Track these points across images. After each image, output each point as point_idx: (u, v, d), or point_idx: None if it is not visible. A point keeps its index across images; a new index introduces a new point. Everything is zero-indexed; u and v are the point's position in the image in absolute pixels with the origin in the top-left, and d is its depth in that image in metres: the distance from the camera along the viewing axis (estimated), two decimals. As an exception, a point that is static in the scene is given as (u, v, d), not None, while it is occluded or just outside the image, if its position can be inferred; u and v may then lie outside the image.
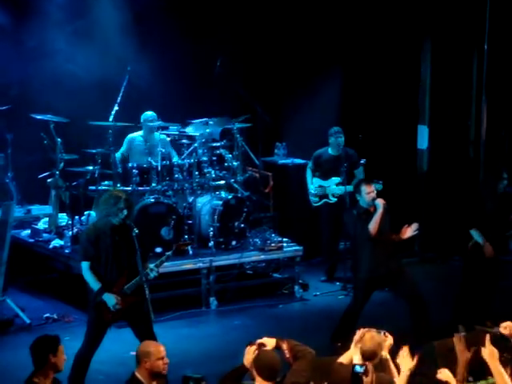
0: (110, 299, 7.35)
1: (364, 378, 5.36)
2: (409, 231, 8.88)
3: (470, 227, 9.22)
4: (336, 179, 10.86)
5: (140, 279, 7.37)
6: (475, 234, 9.19)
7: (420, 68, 12.70)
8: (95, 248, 7.40)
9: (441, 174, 12.74)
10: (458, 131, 12.78)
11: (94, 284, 7.42)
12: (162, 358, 6.03)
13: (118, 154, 10.49)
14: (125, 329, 7.80)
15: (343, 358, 5.80)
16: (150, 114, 10.69)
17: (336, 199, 10.84)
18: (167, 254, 7.71)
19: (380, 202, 8.69)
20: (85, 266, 7.47)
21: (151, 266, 7.52)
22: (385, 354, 5.75)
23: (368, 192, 8.69)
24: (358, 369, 5.38)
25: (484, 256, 9.15)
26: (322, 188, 10.92)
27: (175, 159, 10.57)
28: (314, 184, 10.99)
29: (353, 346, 5.61)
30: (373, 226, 8.62)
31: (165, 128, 10.82)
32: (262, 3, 11.97)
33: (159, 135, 10.71)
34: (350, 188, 10.45)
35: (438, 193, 12.71)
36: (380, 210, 8.65)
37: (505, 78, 12.35)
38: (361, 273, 8.80)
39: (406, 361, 5.55)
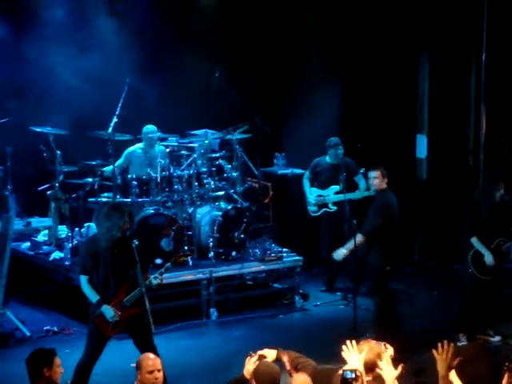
0: (108, 311, 7.34)
1: (354, 383, 5.32)
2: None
3: (469, 236, 9.22)
4: (335, 188, 10.85)
5: (139, 291, 7.37)
6: (476, 243, 9.19)
7: (418, 78, 12.73)
8: (94, 261, 7.39)
9: (440, 183, 12.75)
10: (457, 140, 12.80)
11: (92, 297, 7.42)
12: (152, 372, 5.95)
13: (116, 165, 10.48)
14: (125, 340, 7.80)
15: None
16: (150, 127, 10.70)
17: (336, 208, 10.83)
18: (167, 265, 7.70)
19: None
20: (83, 279, 7.46)
21: (155, 274, 7.52)
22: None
23: (374, 177, 9.31)
24: (349, 374, 5.34)
25: (485, 264, 9.15)
26: (322, 197, 10.92)
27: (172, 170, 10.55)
28: (312, 194, 10.99)
29: (352, 356, 5.58)
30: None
31: (164, 139, 10.83)
32: (262, 14, 12.00)
33: (158, 146, 10.72)
34: (349, 196, 10.47)
35: (437, 202, 12.72)
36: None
37: (503, 86, 12.38)
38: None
39: (389, 370, 5.50)
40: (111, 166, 10.43)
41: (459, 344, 8.94)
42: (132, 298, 7.38)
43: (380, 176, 9.28)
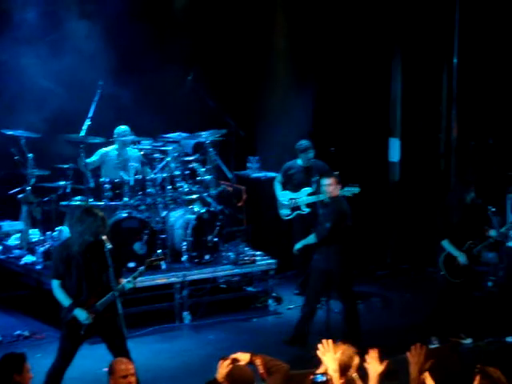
0: (81, 314, 7.30)
1: None
2: None
3: (440, 239, 9.27)
4: (307, 189, 10.84)
5: (112, 295, 7.33)
6: (447, 246, 9.24)
7: (391, 81, 12.80)
8: (66, 266, 7.34)
9: (412, 186, 12.82)
10: (429, 144, 12.89)
11: (64, 301, 7.37)
12: (125, 377, 5.93)
13: (88, 162, 10.38)
14: (98, 345, 7.76)
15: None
16: (123, 128, 10.66)
17: (309, 209, 10.78)
18: (140, 269, 7.67)
19: None
20: (55, 283, 7.41)
21: (128, 278, 7.49)
22: (354, 373, 5.72)
23: (327, 184, 9.22)
24: (319, 378, 5.35)
25: (458, 267, 9.20)
26: (294, 200, 10.92)
27: (147, 175, 10.54)
28: (284, 196, 10.98)
29: (327, 355, 5.58)
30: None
31: (137, 143, 10.79)
32: (234, 17, 12.00)
33: (131, 149, 10.67)
34: (322, 197, 10.38)
35: (409, 205, 12.79)
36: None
37: (474, 90, 12.47)
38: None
39: (374, 365, 5.53)
40: (93, 158, 10.35)
41: (431, 346, 9.00)
42: (105, 302, 7.35)
43: (334, 183, 9.27)
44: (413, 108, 12.77)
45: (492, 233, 9.31)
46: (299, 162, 10.94)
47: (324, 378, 5.32)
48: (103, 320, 7.38)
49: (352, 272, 9.45)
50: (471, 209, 9.28)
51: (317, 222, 9.40)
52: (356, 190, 10.20)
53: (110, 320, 7.40)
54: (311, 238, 9.30)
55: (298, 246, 9.52)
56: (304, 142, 10.87)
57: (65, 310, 7.38)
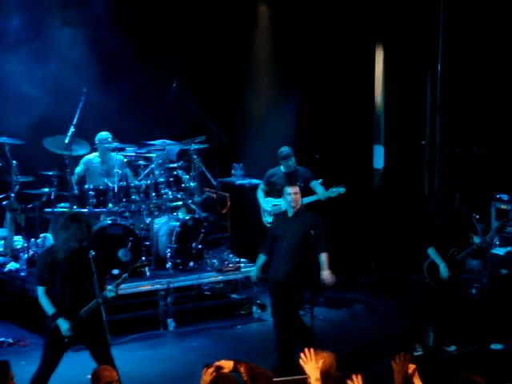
0: (64, 324, 7.27)
1: None
2: None
3: (424, 246, 9.28)
4: None
5: (96, 302, 7.32)
6: (432, 254, 9.24)
7: (374, 89, 12.85)
8: (51, 272, 7.32)
9: (397, 193, 12.87)
10: (413, 151, 12.94)
11: (48, 308, 7.34)
12: (118, 381, 5.97)
13: (75, 172, 10.40)
14: (81, 352, 7.73)
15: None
16: (104, 134, 10.65)
17: None
18: (123, 276, 7.65)
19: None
20: (40, 290, 7.39)
21: (109, 287, 7.47)
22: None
23: (289, 193, 8.84)
24: None
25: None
26: (278, 206, 10.89)
27: (130, 180, 10.54)
28: (267, 203, 10.94)
29: (309, 364, 5.59)
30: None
31: (121, 149, 10.78)
32: (216, 24, 12.02)
33: (116, 156, 10.65)
34: (305, 200, 10.35)
35: (394, 212, 12.83)
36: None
37: (458, 98, 12.54)
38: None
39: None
40: (75, 174, 10.36)
41: (415, 354, 9.02)
42: (89, 310, 7.32)
43: (299, 191, 9.01)
44: (397, 115, 12.82)
45: (476, 240, 9.34)
46: (282, 168, 10.90)
47: None
48: (87, 327, 7.35)
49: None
50: (455, 216, 9.31)
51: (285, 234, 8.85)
52: (342, 190, 10.23)
53: (94, 327, 7.38)
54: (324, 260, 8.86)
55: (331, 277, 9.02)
56: (285, 150, 10.73)
57: (49, 318, 7.36)
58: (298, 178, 10.55)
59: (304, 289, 8.84)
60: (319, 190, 10.56)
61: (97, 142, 10.66)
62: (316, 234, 8.73)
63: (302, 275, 8.72)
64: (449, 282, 9.22)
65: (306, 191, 10.63)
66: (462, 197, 9.57)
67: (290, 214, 8.92)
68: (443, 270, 9.14)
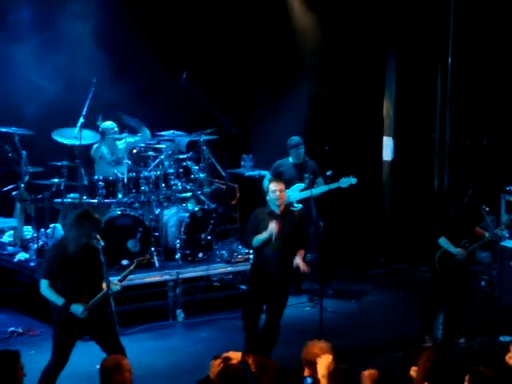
0: (78, 308, 7.25)
1: None
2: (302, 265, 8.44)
3: (437, 236, 9.26)
4: (299, 185, 10.68)
5: (104, 294, 7.31)
6: (444, 243, 9.20)
7: (385, 81, 12.82)
8: (61, 266, 7.32)
9: (406, 185, 12.85)
10: (423, 143, 12.91)
11: (57, 300, 7.31)
12: (130, 370, 5.98)
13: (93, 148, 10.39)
14: (90, 342, 7.74)
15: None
16: (109, 124, 10.64)
17: (301, 205, 10.65)
18: (129, 268, 7.65)
19: (272, 227, 8.18)
20: (44, 283, 7.35)
21: (114, 280, 7.48)
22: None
23: (274, 190, 8.34)
24: (309, 381, 5.39)
25: (453, 265, 9.19)
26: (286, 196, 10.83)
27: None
28: None
29: (319, 362, 5.60)
30: (255, 242, 8.31)
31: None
32: (228, 16, 12.01)
33: (123, 143, 10.58)
34: (315, 191, 10.27)
35: (403, 204, 12.81)
36: (266, 236, 8.21)
37: (468, 91, 12.50)
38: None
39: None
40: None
41: (424, 345, 9.01)
42: (97, 301, 7.33)
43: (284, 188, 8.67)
44: (407, 107, 12.79)
45: (487, 233, 9.31)
46: (290, 159, 10.87)
47: (311, 381, 5.36)
48: (94, 319, 7.36)
49: None
50: (467, 208, 9.29)
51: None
52: (353, 180, 10.22)
53: (103, 318, 7.39)
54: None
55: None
56: (295, 138, 10.73)
57: (57, 310, 7.34)
58: (307, 170, 10.53)
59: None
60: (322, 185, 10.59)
61: (101, 130, 10.60)
62: (300, 232, 8.51)
63: (290, 275, 8.56)
64: (459, 273, 9.18)
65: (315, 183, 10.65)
66: (472, 189, 9.55)
67: (277, 210, 8.45)
68: (459, 254, 9.09)
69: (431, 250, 9.34)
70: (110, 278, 7.42)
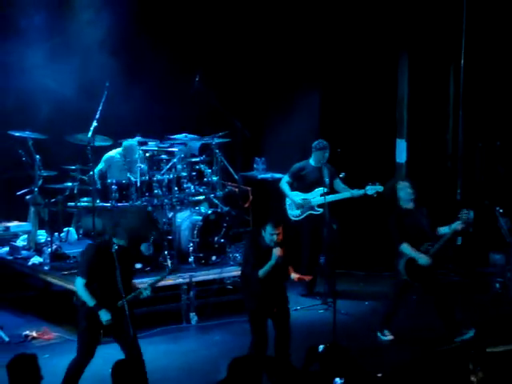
0: (106, 315, 7.43)
1: None
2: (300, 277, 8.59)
3: (397, 244, 9.25)
4: (320, 190, 10.71)
5: (134, 296, 7.53)
6: (406, 249, 9.24)
7: (398, 82, 12.80)
8: (98, 267, 7.48)
9: (419, 188, 12.80)
10: (436, 145, 12.88)
11: (89, 301, 7.48)
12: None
13: (95, 172, 10.43)
14: (106, 345, 7.77)
15: None
16: (131, 142, 10.66)
17: (322, 210, 10.66)
18: (163, 275, 7.92)
19: (276, 252, 8.13)
20: (81, 282, 7.52)
21: (145, 285, 7.66)
22: None
23: (272, 234, 8.19)
24: (338, 382, 5.42)
25: (419, 269, 9.20)
26: (307, 200, 10.87)
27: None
28: (297, 197, 10.90)
29: None
30: (262, 274, 8.18)
31: (144, 143, 10.81)
32: (241, 19, 12.03)
33: (139, 151, 10.65)
34: (339, 197, 10.49)
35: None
36: (272, 262, 8.13)
37: (481, 92, 12.46)
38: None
39: None
40: (96, 170, 10.41)
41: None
42: (127, 301, 7.45)
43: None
44: (420, 109, 12.77)
45: (442, 230, 9.30)
46: (311, 162, 10.88)
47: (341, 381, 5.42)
48: (118, 319, 7.48)
49: None
50: (416, 213, 9.32)
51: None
52: (380, 188, 10.26)
53: (122, 319, 7.49)
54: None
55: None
56: (323, 141, 10.79)
57: (88, 308, 7.47)
58: (327, 173, 10.58)
59: None
60: (343, 188, 10.69)
61: (122, 147, 10.67)
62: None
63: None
64: (426, 277, 9.20)
65: (333, 189, 10.68)
66: (486, 191, 9.53)
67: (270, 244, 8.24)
68: (423, 259, 9.14)
69: (394, 258, 9.35)
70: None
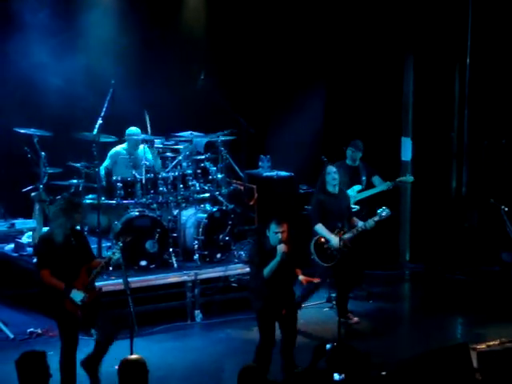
0: (78, 295, 7.48)
1: None
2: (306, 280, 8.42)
3: (313, 224, 9.46)
4: (357, 187, 10.79)
5: (98, 271, 7.61)
6: (320, 230, 9.45)
7: (403, 81, 12.79)
8: (53, 256, 7.51)
9: (425, 186, 12.80)
10: (441, 143, 12.86)
11: (60, 285, 7.50)
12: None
13: (101, 169, 10.43)
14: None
15: None
16: (134, 129, 10.67)
17: (359, 207, 10.66)
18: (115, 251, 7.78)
19: (281, 249, 8.07)
20: (47, 273, 7.54)
21: (112, 250, 7.78)
22: None
23: (276, 232, 8.14)
24: (337, 377, 5.45)
25: (328, 251, 9.40)
26: (363, 192, 10.91)
27: (158, 170, 10.55)
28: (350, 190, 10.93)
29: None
30: (267, 273, 8.12)
31: (149, 141, 10.80)
32: (247, 17, 12.03)
33: (144, 148, 10.64)
34: (374, 191, 10.77)
35: (422, 205, 12.76)
36: (278, 259, 8.06)
37: (486, 90, 12.44)
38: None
39: None
40: (102, 168, 10.39)
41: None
42: (94, 278, 7.58)
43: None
44: (425, 107, 12.75)
45: (359, 224, 9.53)
46: (348, 162, 10.93)
47: (341, 377, 5.43)
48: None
49: None
50: (339, 197, 9.60)
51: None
52: (411, 178, 10.86)
53: (96, 298, 7.63)
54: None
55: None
56: (360, 142, 10.93)
57: (57, 294, 7.52)
58: (363, 172, 10.65)
59: None
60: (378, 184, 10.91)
61: (126, 135, 10.67)
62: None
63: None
64: (336, 259, 9.38)
65: (367, 185, 10.72)
66: (490, 188, 9.51)
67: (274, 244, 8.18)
68: (333, 241, 9.33)
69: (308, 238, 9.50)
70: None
